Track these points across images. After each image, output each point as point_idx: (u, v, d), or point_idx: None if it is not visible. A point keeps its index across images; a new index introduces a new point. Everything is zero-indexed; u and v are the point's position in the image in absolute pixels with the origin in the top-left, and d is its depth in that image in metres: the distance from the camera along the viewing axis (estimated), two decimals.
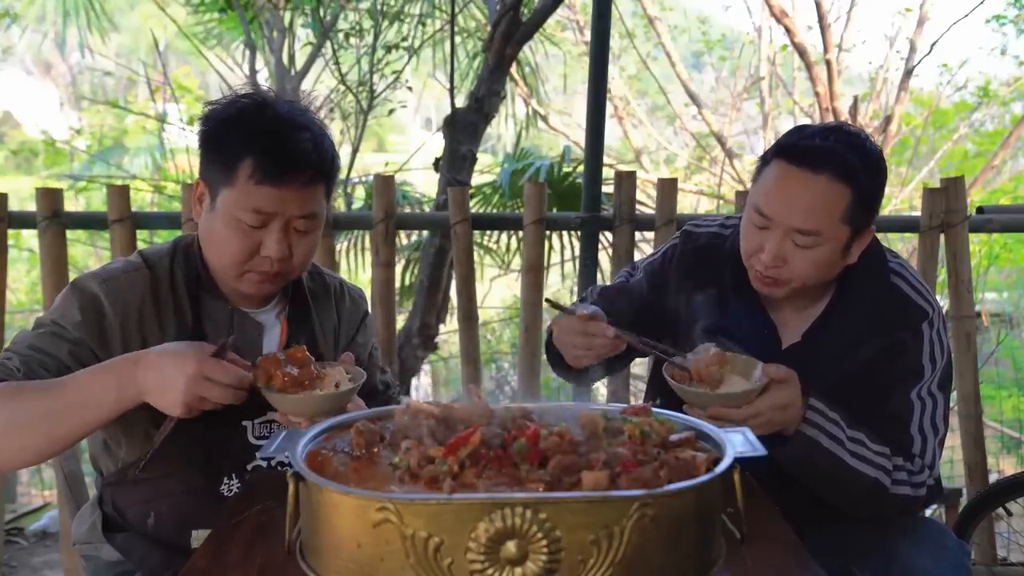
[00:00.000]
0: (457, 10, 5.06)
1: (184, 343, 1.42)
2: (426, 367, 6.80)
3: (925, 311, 1.63)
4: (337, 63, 5.45)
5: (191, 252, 1.63)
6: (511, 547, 0.94)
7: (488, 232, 4.90)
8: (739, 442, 1.14)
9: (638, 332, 1.60)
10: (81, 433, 1.43)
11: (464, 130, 4.00)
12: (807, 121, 9.40)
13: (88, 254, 8.51)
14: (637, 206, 3.05)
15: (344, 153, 5.63)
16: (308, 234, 1.56)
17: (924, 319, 1.63)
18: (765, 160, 1.61)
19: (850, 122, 7.23)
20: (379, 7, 5.38)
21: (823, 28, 7.57)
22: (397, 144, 15.51)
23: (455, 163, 3.97)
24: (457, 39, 5.28)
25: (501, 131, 6.78)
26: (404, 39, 5.53)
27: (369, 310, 1.90)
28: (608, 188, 3.72)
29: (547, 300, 1.70)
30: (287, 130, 1.51)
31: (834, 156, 1.52)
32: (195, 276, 1.62)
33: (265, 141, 1.49)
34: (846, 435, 1.52)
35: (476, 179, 4.57)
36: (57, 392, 1.39)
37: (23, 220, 2.99)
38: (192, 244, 1.64)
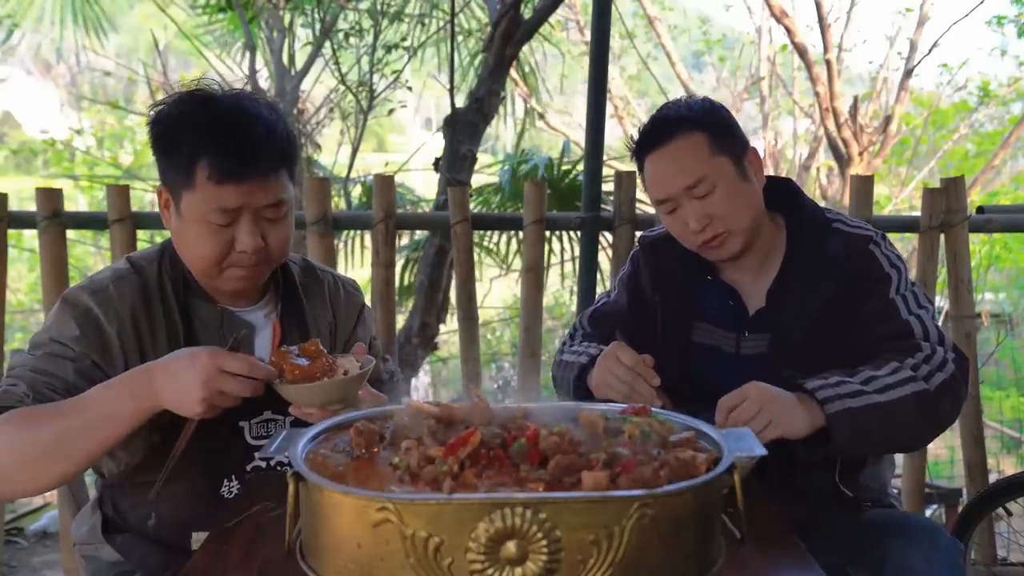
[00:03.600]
0: (457, 10, 5.06)
1: (194, 347, 1.41)
2: (426, 367, 6.80)
3: (868, 236, 1.74)
4: (337, 63, 5.45)
5: (177, 256, 1.61)
6: (511, 547, 0.94)
7: (488, 232, 4.90)
8: (739, 442, 1.14)
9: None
10: (99, 452, 1.41)
11: (464, 130, 4.00)
12: (807, 121, 9.45)
13: (88, 254, 8.51)
14: (637, 206, 3.06)
15: (344, 153, 5.63)
16: (279, 221, 1.54)
17: (869, 242, 1.73)
18: (640, 169, 1.80)
19: (851, 122, 7.31)
20: (379, 7, 5.38)
21: (823, 28, 7.58)
22: (397, 144, 15.50)
23: (455, 163, 3.97)
24: (457, 39, 5.28)
25: (501, 131, 6.78)
26: (404, 39, 5.53)
27: (366, 303, 1.89)
28: (608, 188, 3.72)
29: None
30: (237, 124, 1.48)
31: (672, 120, 1.74)
32: (182, 279, 1.61)
33: (216, 139, 1.45)
34: (858, 382, 1.53)
35: (476, 179, 4.56)
36: (72, 412, 1.37)
37: (23, 220, 2.99)
38: None
